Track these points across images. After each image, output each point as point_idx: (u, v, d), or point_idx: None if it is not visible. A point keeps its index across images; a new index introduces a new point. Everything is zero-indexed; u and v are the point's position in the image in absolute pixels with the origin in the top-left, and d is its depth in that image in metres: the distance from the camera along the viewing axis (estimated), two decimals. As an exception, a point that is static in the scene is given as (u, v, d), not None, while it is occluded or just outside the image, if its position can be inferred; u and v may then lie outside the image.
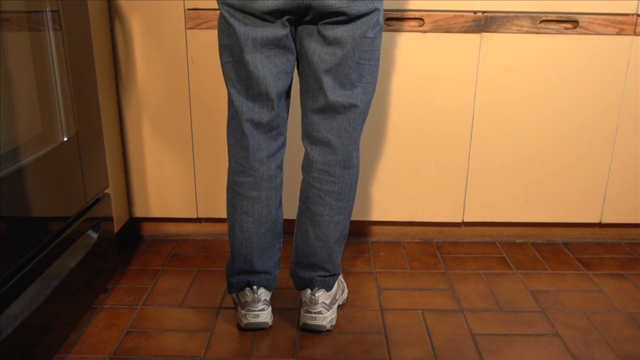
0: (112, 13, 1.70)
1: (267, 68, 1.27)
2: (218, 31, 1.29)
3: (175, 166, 1.84)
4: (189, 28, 1.70)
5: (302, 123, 1.36)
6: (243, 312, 1.44)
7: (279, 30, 1.24)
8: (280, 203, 1.42)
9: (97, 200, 1.50)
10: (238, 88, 1.30)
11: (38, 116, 1.22)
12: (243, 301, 1.44)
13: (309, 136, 1.35)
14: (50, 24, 1.26)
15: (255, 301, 1.42)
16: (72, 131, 1.35)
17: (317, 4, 1.20)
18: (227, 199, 1.41)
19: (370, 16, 1.23)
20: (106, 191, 1.57)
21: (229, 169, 1.39)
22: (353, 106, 1.30)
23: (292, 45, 1.30)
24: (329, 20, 1.23)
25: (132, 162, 1.84)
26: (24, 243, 1.16)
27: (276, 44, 1.25)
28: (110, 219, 1.58)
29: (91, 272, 1.44)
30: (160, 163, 1.84)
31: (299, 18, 1.25)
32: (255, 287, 1.42)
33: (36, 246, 1.21)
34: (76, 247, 1.37)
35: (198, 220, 1.95)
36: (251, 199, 1.37)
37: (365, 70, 1.29)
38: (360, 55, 1.26)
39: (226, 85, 1.32)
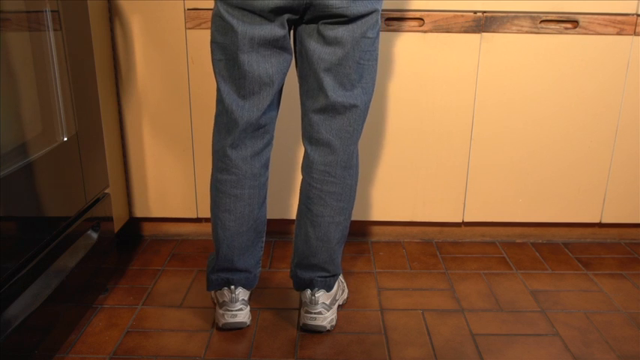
0: (112, 13, 1.70)
1: (263, 68, 1.26)
2: (211, 28, 1.28)
3: (175, 166, 1.84)
4: (189, 28, 1.70)
5: (302, 124, 1.36)
6: (221, 312, 1.43)
7: (277, 30, 1.23)
8: (264, 202, 1.41)
9: (97, 200, 1.50)
10: (230, 86, 1.29)
11: (38, 116, 1.22)
12: (221, 300, 1.44)
13: (309, 137, 1.35)
14: (50, 24, 1.25)
15: (233, 300, 1.42)
16: (72, 131, 1.35)
17: (318, 3, 1.20)
18: (210, 197, 1.40)
19: (370, 16, 1.23)
20: (106, 191, 1.57)
21: (213, 167, 1.37)
22: (353, 106, 1.30)
23: (290, 46, 1.29)
24: (329, 20, 1.23)
25: (132, 162, 1.84)
26: (24, 243, 1.16)
27: (273, 44, 1.25)
28: (110, 219, 1.58)
29: (91, 272, 1.44)
30: (160, 163, 1.84)
31: (299, 17, 1.25)
32: (232, 287, 1.42)
33: (36, 246, 1.21)
34: (76, 247, 1.37)
35: (198, 220, 1.95)
36: (233, 196, 1.36)
37: (365, 71, 1.29)
38: (360, 55, 1.26)
39: (217, 82, 1.31)
